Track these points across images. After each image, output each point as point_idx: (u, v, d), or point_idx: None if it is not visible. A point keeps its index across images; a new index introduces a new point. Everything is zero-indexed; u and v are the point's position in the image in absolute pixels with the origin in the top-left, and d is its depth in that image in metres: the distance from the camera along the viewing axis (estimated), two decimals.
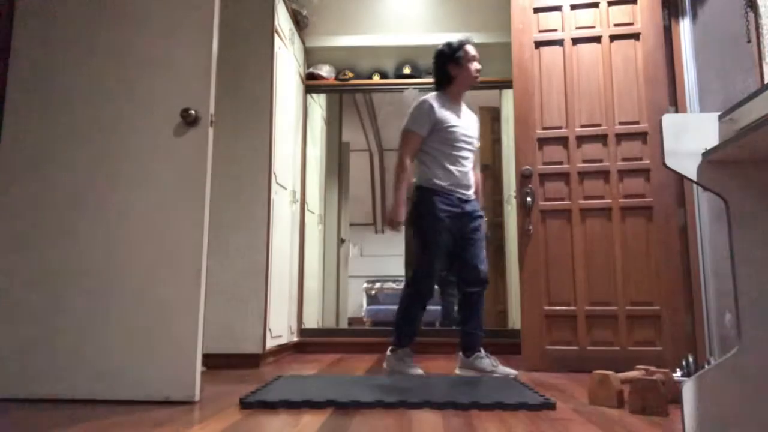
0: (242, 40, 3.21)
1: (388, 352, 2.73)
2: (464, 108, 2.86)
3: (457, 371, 2.73)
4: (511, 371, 2.68)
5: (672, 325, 2.89)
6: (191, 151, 2.07)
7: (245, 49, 3.21)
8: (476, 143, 2.87)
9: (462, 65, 2.75)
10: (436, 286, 2.76)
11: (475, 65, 2.77)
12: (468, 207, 2.74)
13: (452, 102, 2.80)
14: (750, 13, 2.38)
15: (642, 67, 3.11)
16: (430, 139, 2.73)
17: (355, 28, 4.26)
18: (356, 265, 8.10)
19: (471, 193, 2.78)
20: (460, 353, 2.74)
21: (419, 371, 2.66)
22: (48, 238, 2.06)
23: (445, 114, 2.73)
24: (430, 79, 4.17)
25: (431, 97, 2.77)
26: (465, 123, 2.80)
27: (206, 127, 2.08)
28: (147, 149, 2.09)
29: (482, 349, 2.71)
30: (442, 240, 2.67)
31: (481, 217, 2.79)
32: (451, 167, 2.71)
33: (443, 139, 2.72)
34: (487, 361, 2.68)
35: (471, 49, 2.77)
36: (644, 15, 3.14)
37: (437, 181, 2.69)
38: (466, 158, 2.76)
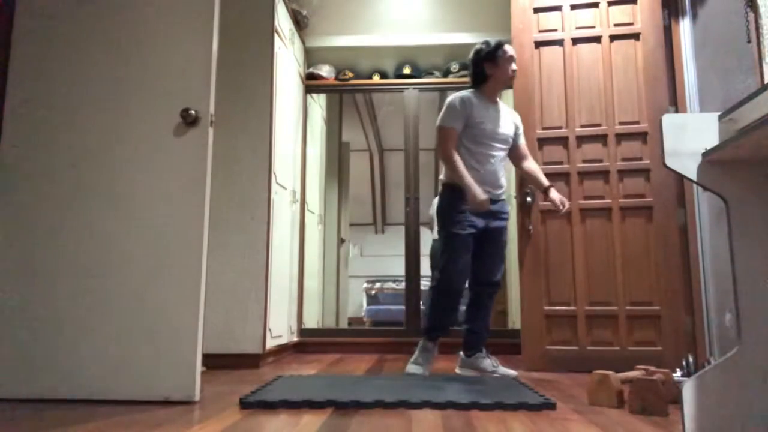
0: (242, 40, 3.21)
1: (421, 341, 2.74)
2: (502, 106, 2.84)
3: (458, 370, 2.74)
4: (511, 372, 2.68)
5: (672, 325, 2.89)
6: (191, 151, 2.07)
7: (245, 49, 3.21)
8: (520, 139, 2.86)
9: (498, 64, 2.74)
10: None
11: (512, 66, 2.75)
12: (493, 206, 2.70)
13: (486, 100, 2.78)
14: (750, 13, 2.38)
15: (642, 67, 3.11)
16: (461, 136, 2.72)
17: (355, 28, 4.26)
18: (356, 265, 8.09)
19: (499, 192, 2.75)
20: (461, 352, 2.74)
21: (419, 371, 2.64)
22: (48, 238, 2.06)
23: (476, 111, 2.72)
24: (430, 79, 4.24)
25: (465, 93, 2.78)
26: (500, 122, 2.76)
27: (206, 127, 2.08)
28: (147, 149, 2.09)
29: (484, 349, 2.71)
30: (465, 235, 2.65)
31: (505, 219, 2.77)
32: (477, 165, 2.69)
33: (472, 136, 2.71)
34: (487, 362, 2.68)
35: (509, 50, 2.75)
36: (644, 15, 3.14)
37: None
38: (494, 156, 2.73)
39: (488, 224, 2.69)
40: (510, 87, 3.04)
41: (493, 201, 2.70)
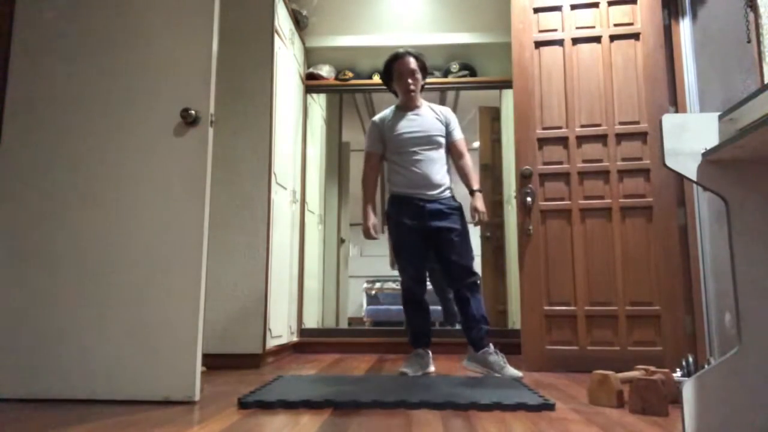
0: (242, 40, 3.21)
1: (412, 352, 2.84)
2: (424, 110, 2.91)
3: (464, 363, 2.78)
4: (517, 373, 2.64)
5: (672, 325, 2.89)
6: (191, 151, 2.07)
7: (245, 49, 3.21)
8: (452, 136, 2.88)
9: (393, 79, 2.92)
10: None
11: (407, 80, 2.85)
12: (430, 206, 2.76)
13: (404, 109, 2.92)
14: (750, 13, 2.38)
15: (642, 67, 3.11)
16: (387, 152, 2.89)
17: (355, 28, 4.26)
18: (356, 265, 8.08)
19: (437, 192, 2.78)
20: (470, 346, 2.75)
21: (409, 370, 2.66)
22: (48, 238, 2.06)
23: (390, 125, 2.88)
24: (431, 79, 4.22)
25: (383, 112, 2.96)
26: (418, 125, 2.84)
27: (206, 127, 2.08)
28: (147, 149, 2.09)
29: (491, 345, 2.71)
30: (406, 242, 2.78)
31: (448, 215, 2.76)
32: (405, 171, 2.81)
33: (393, 147, 2.86)
34: (494, 358, 2.66)
35: (404, 63, 2.86)
36: (644, 15, 3.14)
37: (393, 188, 2.86)
38: (420, 161, 2.80)
39: (427, 225, 2.75)
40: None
41: (429, 201, 2.77)
